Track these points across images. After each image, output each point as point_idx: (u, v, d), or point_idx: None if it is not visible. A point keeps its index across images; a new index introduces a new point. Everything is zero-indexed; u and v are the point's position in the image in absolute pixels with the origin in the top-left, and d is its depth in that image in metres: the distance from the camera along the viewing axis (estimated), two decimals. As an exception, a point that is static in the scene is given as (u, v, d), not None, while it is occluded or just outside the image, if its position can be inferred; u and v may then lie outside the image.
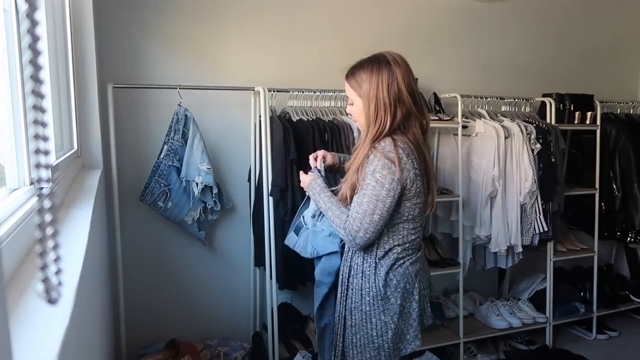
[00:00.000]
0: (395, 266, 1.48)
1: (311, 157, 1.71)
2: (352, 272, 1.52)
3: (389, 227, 1.46)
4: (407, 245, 1.49)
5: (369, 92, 1.43)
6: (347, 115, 1.58)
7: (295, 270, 2.41)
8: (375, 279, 1.47)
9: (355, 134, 2.37)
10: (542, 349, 2.85)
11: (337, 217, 1.47)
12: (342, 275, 1.55)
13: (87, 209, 1.23)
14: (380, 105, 1.42)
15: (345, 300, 1.52)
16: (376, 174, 1.38)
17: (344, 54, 2.82)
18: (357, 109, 1.49)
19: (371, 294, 1.47)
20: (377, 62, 1.45)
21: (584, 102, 3.06)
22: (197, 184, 2.30)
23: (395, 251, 1.48)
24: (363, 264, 1.49)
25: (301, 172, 1.69)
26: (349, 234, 1.43)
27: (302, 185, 1.68)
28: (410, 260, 1.50)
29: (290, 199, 2.28)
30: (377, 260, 1.48)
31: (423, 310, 1.55)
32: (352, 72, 1.50)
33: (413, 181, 1.42)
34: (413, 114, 1.45)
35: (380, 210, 1.39)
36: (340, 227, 1.46)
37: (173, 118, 2.31)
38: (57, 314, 0.58)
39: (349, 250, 1.54)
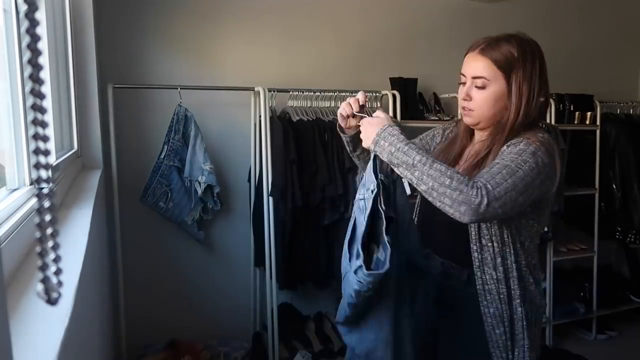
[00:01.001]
0: None
1: (352, 101, 1.30)
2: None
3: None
4: None
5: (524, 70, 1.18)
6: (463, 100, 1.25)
7: (295, 270, 2.42)
8: None
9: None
10: (542, 349, 2.85)
11: (446, 173, 1.03)
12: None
13: (87, 209, 1.23)
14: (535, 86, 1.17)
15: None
16: (538, 158, 1.09)
17: (344, 54, 2.86)
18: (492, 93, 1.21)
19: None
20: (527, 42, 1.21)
21: (584, 102, 3.06)
22: (200, 184, 2.31)
23: None
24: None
25: (366, 119, 1.19)
26: (480, 194, 1.00)
27: (366, 136, 1.14)
28: None
29: (290, 199, 2.28)
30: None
31: None
32: (494, 46, 1.24)
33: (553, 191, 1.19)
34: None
35: (524, 198, 1.08)
36: (461, 182, 1.01)
37: (173, 118, 2.31)
38: (57, 314, 0.58)
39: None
